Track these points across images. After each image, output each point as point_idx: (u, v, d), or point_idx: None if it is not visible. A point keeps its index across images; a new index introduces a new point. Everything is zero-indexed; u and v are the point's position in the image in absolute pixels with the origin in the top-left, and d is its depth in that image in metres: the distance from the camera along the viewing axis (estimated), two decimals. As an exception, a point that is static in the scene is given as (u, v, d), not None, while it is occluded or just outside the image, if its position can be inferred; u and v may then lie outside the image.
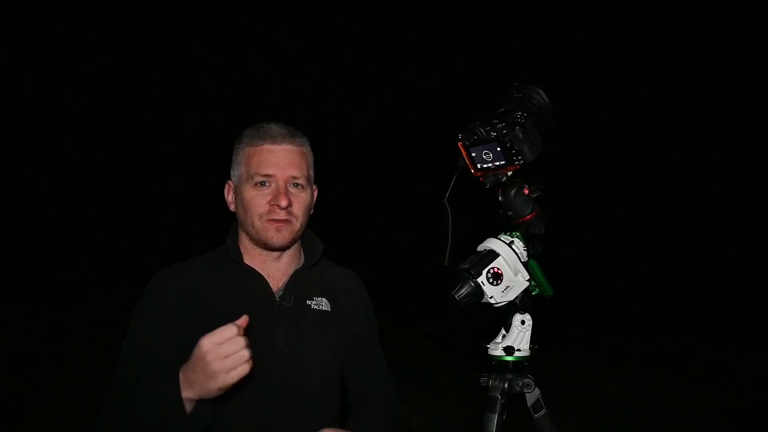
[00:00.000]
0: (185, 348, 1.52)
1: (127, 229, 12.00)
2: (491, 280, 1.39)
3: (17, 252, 10.98)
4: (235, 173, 1.68)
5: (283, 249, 1.67)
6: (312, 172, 1.71)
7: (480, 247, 1.46)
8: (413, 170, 12.47)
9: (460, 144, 1.45)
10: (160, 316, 1.60)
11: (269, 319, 1.62)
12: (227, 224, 1.77)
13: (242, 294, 1.63)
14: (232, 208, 1.71)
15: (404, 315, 9.49)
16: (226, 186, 1.72)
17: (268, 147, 1.62)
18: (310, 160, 1.71)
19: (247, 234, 1.67)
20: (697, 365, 7.12)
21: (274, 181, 1.61)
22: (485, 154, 1.42)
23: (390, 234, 12.78)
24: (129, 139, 12.20)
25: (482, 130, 1.40)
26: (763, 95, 10.40)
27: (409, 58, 12.73)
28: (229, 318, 1.52)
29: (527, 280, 1.44)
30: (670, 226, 11.55)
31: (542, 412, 1.47)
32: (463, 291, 1.39)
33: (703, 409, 5.52)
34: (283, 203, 1.59)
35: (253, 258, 1.68)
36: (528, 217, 1.44)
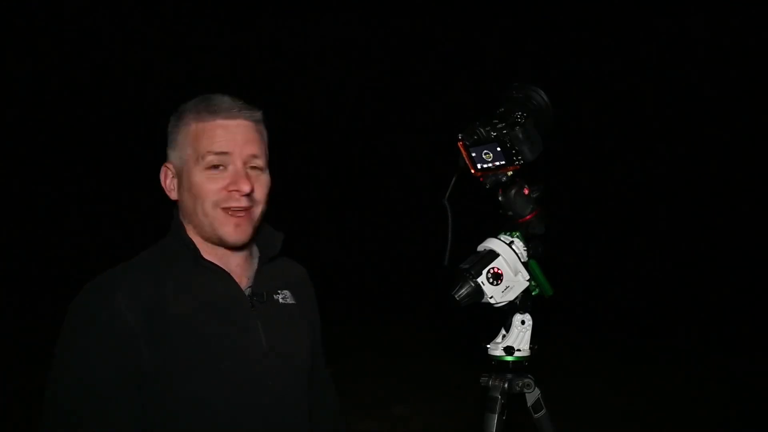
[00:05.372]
0: (151, 367, 1.32)
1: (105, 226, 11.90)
2: (491, 280, 1.39)
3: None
4: (177, 154, 1.43)
5: (241, 247, 1.47)
6: (268, 154, 1.49)
7: (480, 247, 1.46)
8: (413, 170, 12.47)
9: (460, 144, 1.45)
10: (116, 341, 1.29)
11: (245, 320, 1.44)
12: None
13: (210, 295, 1.41)
14: (173, 196, 1.46)
15: (404, 315, 9.50)
16: (163, 169, 1.46)
17: (221, 122, 1.39)
18: (267, 139, 1.49)
19: (197, 227, 1.43)
20: (697, 365, 7.11)
21: (230, 162, 1.38)
22: (485, 154, 1.42)
23: (390, 234, 12.77)
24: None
25: (482, 130, 1.40)
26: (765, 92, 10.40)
27: (409, 57, 12.73)
28: (202, 325, 1.38)
29: (527, 280, 1.44)
30: (670, 226, 11.55)
31: (542, 412, 1.47)
32: (463, 291, 1.39)
33: (703, 408, 5.52)
34: (246, 188, 1.38)
35: (208, 254, 1.45)
36: (528, 217, 1.44)
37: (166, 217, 1.52)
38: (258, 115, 1.46)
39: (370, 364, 6.75)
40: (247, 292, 1.48)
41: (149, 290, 1.35)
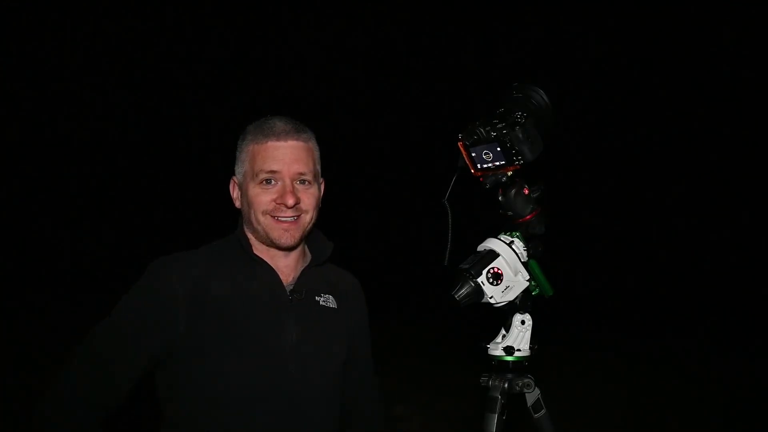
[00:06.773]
0: (188, 339, 1.52)
1: (133, 227, 11.94)
2: (491, 280, 1.39)
3: (19, 250, 10.96)
4: (239, 170, 1.65)
5: (292, 248, 1.64)
6: (319, 167, 1.68)
7: (480, 247, 1.46)
8: (413, 169, 12.47)
9: (460, 144, 1.45)
10: (161, 307, 1.53)
11: (280, 312, 1.60)
12: (234, 219, 1.73)
13: (252, 285, 1.61)
14: (237, 204, 1.69)
15: (404, 315, 9.49)
16: (231, 182, 1.69)
17: (272, 144, 1.59)
18: (317, 155, 1.67)
19: (253, 232, 1.64)
20: (697, 365, 7.11)
21: (280, 179, 1.58)
22: (485, 154, 1.42)
23: (390, 233, 12.77)
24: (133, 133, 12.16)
25: (482, 130, 1.41)
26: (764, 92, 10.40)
27: (409, 57, 12.73)
28: (239, 309, 1.56)
29: (527, 280, 1.44)
30: (670, 226, 11.55)
31: (542, 412, 1.47)
32: (463, 291, 1.39)
33: (703, 408, 5.52)
34: (290, 202, 1.57)
35: (261, 252, 1.65)
36: (528, 217, 1.45)
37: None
38: (306, 136, 1.64)
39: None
40: (289, 288, 1.64)
41: (200, 270, 1.58)
